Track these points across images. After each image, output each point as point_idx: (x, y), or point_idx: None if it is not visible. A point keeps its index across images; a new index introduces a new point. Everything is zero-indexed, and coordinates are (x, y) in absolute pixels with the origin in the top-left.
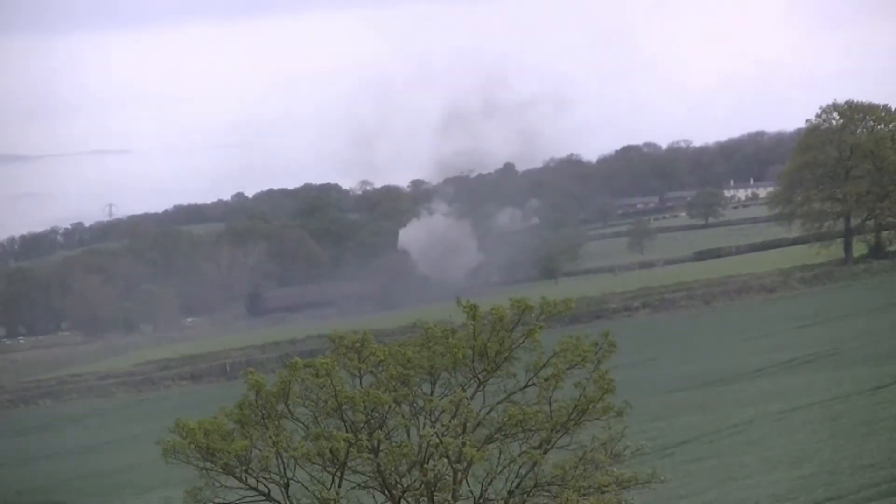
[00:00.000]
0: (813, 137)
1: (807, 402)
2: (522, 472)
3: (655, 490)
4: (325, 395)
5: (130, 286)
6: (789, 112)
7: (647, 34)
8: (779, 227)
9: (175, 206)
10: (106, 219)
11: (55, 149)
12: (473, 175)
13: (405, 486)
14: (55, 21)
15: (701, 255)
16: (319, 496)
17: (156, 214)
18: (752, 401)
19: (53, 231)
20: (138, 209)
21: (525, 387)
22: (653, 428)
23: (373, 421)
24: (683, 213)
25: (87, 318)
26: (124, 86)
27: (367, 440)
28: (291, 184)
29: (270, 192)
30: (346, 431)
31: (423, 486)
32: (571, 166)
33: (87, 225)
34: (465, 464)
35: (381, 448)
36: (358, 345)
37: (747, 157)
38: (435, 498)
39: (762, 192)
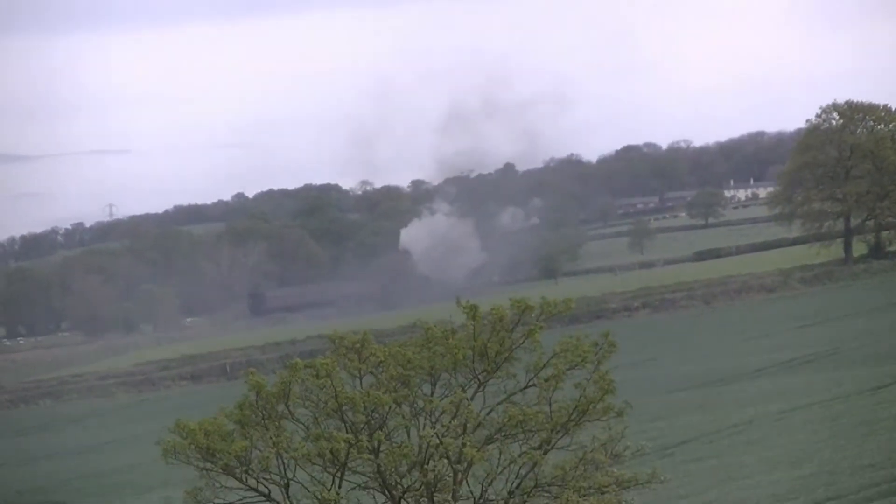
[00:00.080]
0: (813, 137)
1: (807, 402)
2: (522, 472)
3: (655, 490)
4: (326, 396)
5: (131, 286)
6: (789, 112)
7: (648, 34)
8: (779, 227)
9: (175, 207)
10: (106, 219)
11: (55, 149)
12: (473, 175)
13: (405, 486)
14: (55, 21)
15: (701, 255)
16: (320, 497)
17: (156, 214)
18: (752, 401)
19: (54, 231)
20: (138, 209)
21: (525, 387)
22: (653, 428)
23: (373, 422)
24: (683, 214)
25: (88, 318)
26: (124, 86)
27: (368, 441)
28: (291, 184)
29: (270, 193)
30: (347, 432)
31: (423, 486)
32: (571, 166)
33: (87, 225)
34: (465, 464)
35: (381, 449)
36: (358, 345)
37: (747, 157)
38: (435, 498)
39: (762, 193)
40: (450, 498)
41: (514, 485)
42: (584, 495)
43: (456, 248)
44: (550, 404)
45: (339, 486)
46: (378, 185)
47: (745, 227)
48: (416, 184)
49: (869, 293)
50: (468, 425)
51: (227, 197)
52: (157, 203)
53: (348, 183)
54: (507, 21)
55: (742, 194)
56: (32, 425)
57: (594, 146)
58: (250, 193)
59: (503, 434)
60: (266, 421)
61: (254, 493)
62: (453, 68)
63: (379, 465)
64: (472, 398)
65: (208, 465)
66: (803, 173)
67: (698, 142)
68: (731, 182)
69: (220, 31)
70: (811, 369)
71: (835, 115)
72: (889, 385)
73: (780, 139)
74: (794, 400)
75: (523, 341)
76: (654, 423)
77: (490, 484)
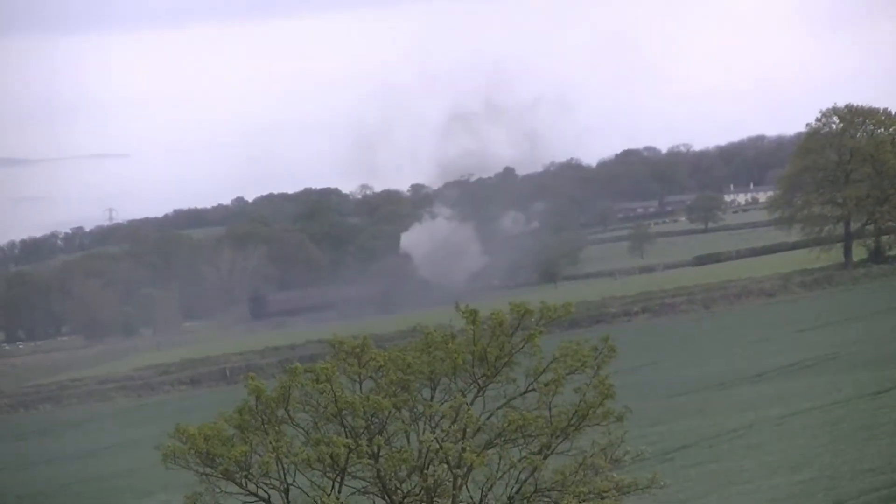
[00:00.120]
0: (813, 141)
1: (807, 406)
2: (522, 477)
3: (655, 495)
4: (325, 401)
5: (130, 290)
6: (789, 116)
7: (648, 38)
8: (779, 232)
9: (175, 211)
10: (106, 223)
11: (56, 152)
12: (473, 179)
13: (405, 491)
14: (55, 23)
15: (701, 260)
16: (319, 502)
17: (156, 219)
18: (752, 405)
19: (53, 235)
20: (138, 213)
21: (525, 392)
22: (653, 433)
23: (373, 426)
24: (683, 218)
25: (87, 322)
26: (125, 89)
27: (367, 446)
28: (291, 188)
29: (270, 197)
30: (346, 437)
31: (423, 491)
32: (571, 170)
33: (87, 229)
34: (465, 469)
35: (381, 453)
36: (358, 350)
37: (747, 161)
38: (435, 503)
39: (762, 197)
40: (450, 503)
41: (514, 490)
42: (584, 500)
43: (457, 251)
44: (550, 409)
45: (339, 491)
46: (378, 189)
47: (744, 232)
48: (416, 188)
49: (869, 297)
50: (468, 430)
51: (226, 201)
52: (156, 207)
53: (348, 187)
54: (509, 24)
55: (742, 198)
56: (32, 430)
57: (594, 150)
58: (250, 197)
59: (503, 439)
60: (266, 426)
61: (254, 498)
62: (455, 71)
63: (379, 470)
64: (471, 403)
65: (208, 469)
66: (803, 177)
67: (698, 146)
68: (731, 186)
69: (220, 33)
70: (811, 374)
71: (835, 118)
72: (889, 389)
73: (780, 143)
74: (795, 404)
75: (523, 346)
76: (654, 427)
77: (490, 489)
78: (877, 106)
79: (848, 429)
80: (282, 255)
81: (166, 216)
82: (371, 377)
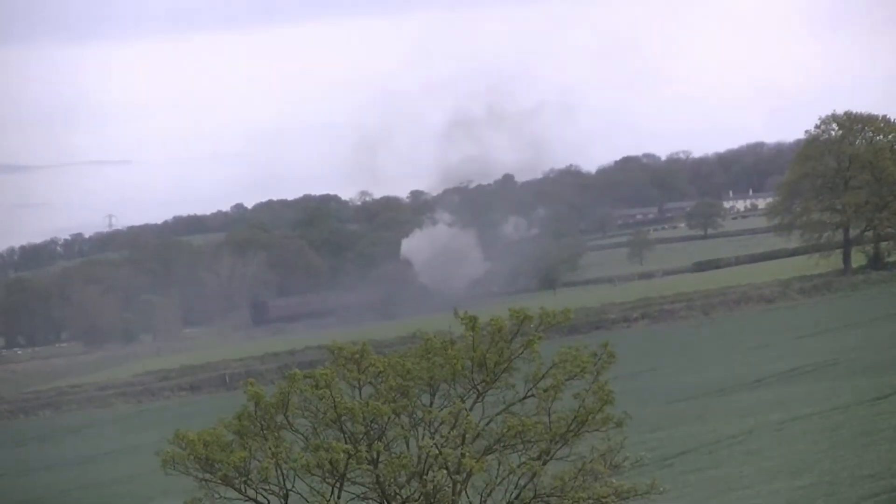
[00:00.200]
0: (812, 148)
1: (806, 412)
2: (522, 483)
3: (655, 501)
4: (325, 407)
5: (130, 296)
6: (789, 123)
7: (647, 44)
8: (778, 238)
9: (175, 217)
10: (106, 229)
11: (56, 159)
12: (472, 186)
13: (404, 497)
14: (56, 29)
15: (700, 266)
16: None
17: (155, 225)
18: (751, 411)
19: (53, 242)
20: (138, 220)
21: (524, 398)
22: (652, 438)
23: (372, 432)
24: (683, 224)
25: (87, 328)
26: (126, 95)
27: (367, 451)
28: (291, 194)
29: (270, 203)
30: (346, 443)
31: (422, 497)
32: (571, 177)
33: (86, 236)
34: (464, 475)
35: (380, 459)
36: (357, 356)
37: (746, 167)
38: None
39: (761, 203)
40: None
41: (514, 495)
42: None
43: (458, 258)
44: (549, 415)
45: (339, 497)
46: (377, 195)
47: (744, 238)
48: (416, 194)
49: (868, 304)
50: (467, 436)
51: (226, 207)
52: (156, 214)
53: (348, 193)
54: (509, 29)
55: (741, 205)
56: (31, 436)
57: (594, 157)
58: (250, 204)
59: (502, 444)
60: (265, 431)
61: None
62: (456, 77)
63: (378, 476)
64: (471, 408)
65: (207, 475)
66: (802, 184)
67: (697, 152)
68: (731, 193)
69: (221, 40)
70: (810, 380)
71: (834, 125)
72: (889, 396)
73: (779, 150)
74: (794, 410)
75: (522, 352)
76: (654, 433)
77: (489, 494)
78: (876, 113)
79: (847, 434)
80: (281, 262)
81: (166, 223)
82: (370, 383)
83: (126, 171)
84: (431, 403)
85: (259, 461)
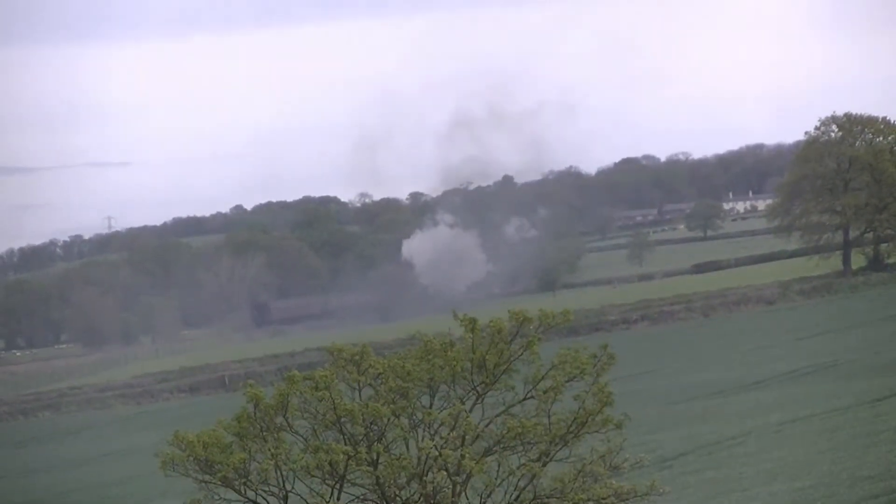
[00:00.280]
0: (812, 150)
1: (806, 413)
2: (521, 484)
3: (654, 502)
4: (324, 408)
5: (129, 298)
6: (788, 124)
7: (648, 45)
8: (777, 240)
9: (174, 219)
10: (105, 231)
11: (56, 161)
12: (472, 188)
13: (404, 498)
14: (55, 30)
15: (700, 268)
16: None
17: (155, 227)
18: (750, 413)
19: (52, 243)
20: (137, 221)
21: (524, 399)
22: (651, 440)
23: (372, 433)
24: (682, 226)
25: (86, 330)
26: (125, 95)
27: (366, 453)
28: (290, 196)
29: (269, 205)
30: (345, 444)
31: (422, 498)
32: (570, 178)
33: (86, 237)
34: (463, 476)
35: (379, 461)
36: (357, 358)
37: (746, 169)
38: None
39: (761, 205)
40: None
41: (513, 497)
42: None
43: (460, 259)
44: (549, 416)
45: (338, 498)
46: (377, 197)
47: (743, 240)
48: (415, 196)
49: (868, 305)
50: (467, 437)
51: (225, 209)
52: (155, 215)
53: (347, 195)
54: (510, 29)
55: (741, 206)
56: (31, 437)
57: (593, 158)
58: (249, 205)
59: (502, 446)
60: (264, 433)
61: None
62: (457, 77)
63: (378, 477)
64: (470, 410)
65: (207, 477)
66: (802, 185)
67: (697, 154)
68: (730, 194)
69: (222, 41)
70: (810, 381)
71: (833, 127)
72: (888, 397)
73: (778, 151)
74: (793, 412)
75: (522, 353)
76: (653, 434)
77: (489, 496)
78: (876, 114)
79: (847, 436)
80: (281, 263)
81: (165, 224)
82: (370, 385)
83: (125, 172)
84: (431, 405)
85: (259, 463)
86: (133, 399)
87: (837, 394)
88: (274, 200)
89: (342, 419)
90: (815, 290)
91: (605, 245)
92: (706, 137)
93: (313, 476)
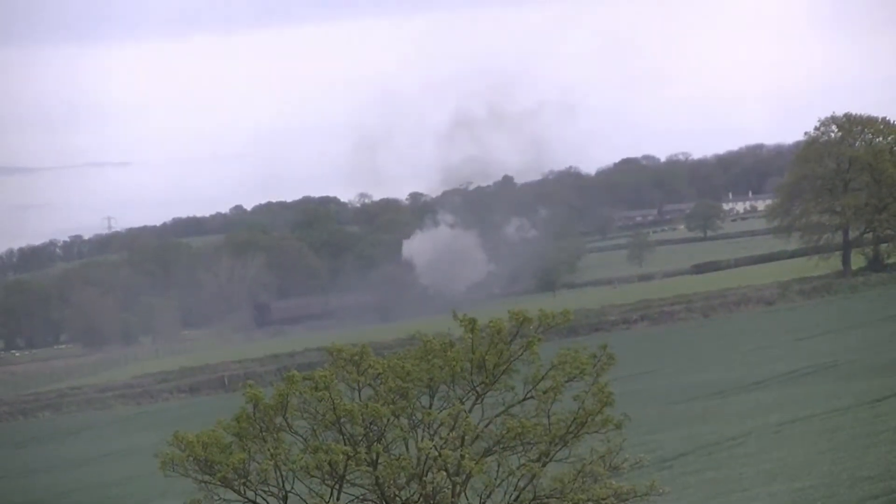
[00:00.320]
0: (811, 150)
1: (806, 414)
2: (521, 484)
3: (654, 502)
4: (324, 408)
5: (129, 298)
6: (788, 125)
7: (648, 45)
8: (777, 240)
9: (174, 219)
10: (105, 231)
11: (56, 161)
12: (472, 188)
13: (404, 498)
14: (55, 30)
15: (699, 268)
16: None
17: (154, 227)
18: (750, 413)
19: (52, 243)
20: (137, 222)
21: (523, 399)
22: (651, 440)
23: (371, 434)
24: (682, 226)
25: (86, 330)
26: (125, 95)
27: (366, 453)
28: (290, 196)
29: (269, 205)
30: (345, 444)
31: (421, 498)
32: (570, 178)
33: (85, 237)
34: (463, 477)
35: (379, 461)
36: (356, 358)
37: (746, 169)
38: None
39: (761, 205)
40: None
41: (513, 497)
42: None
43: (460, 259)
44: (549, 416)
45: (338, 499)
46: (377, 197)
47: (743, 240)
48: (415, 196)
49: (867, 305)
50: (466, 437)
51: (225, 209)
52: (155, 215)
53: (347, 195)
54: (510, 29)
55: (741, 207)
56: (31, 437)
57: (593, 158)
58: (248, 206)
59: (501, 446)
60: (264, 433)
61: None
62: (457, 77)
63: (377, 478)
64: (470, 410)
65: (206, 477)
66: (802, 186)
67: (697, 154)
68: (730, 194)
69: (221, 41)
70: (810, 381)
71: (833, 127)
72: (888, 397)
73: (778, 152)
74: (793, 412)
75: (521, 353)
76: (653, 435)
77: (489, 496)
78: (876, 114)
79: (846, 437)
80: (280, 264)
81: (165, 224)
82: (370, 385)
83: (125, 172)
84: (431, 405)
85: (258, 463)
86: (133, 399)
87: (837, 394)
88: (274, 200)
89: (342, 419)
90: (814, 291)
91: (605, 245)
92: (706, 137)
93: (313, 476)
